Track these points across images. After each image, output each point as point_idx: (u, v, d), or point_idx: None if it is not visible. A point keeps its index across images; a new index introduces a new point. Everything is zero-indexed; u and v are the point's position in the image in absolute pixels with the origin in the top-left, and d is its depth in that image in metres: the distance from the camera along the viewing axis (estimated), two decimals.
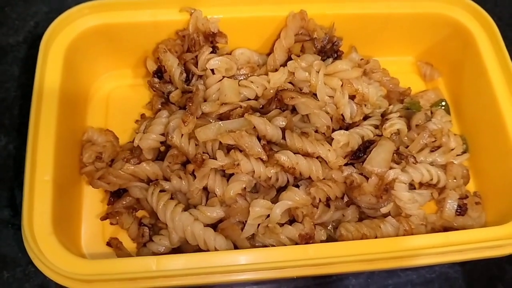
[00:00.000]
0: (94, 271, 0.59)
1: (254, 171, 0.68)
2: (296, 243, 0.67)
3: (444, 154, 0.77)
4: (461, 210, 0.75)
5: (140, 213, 0.74)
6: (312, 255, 0.61)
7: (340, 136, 0.71)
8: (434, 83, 0.90)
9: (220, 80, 0.75)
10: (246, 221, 0.67)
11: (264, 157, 0.68)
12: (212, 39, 0.76)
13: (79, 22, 0.74)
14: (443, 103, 0.85)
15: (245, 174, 0.68)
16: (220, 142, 0.69)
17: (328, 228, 0.72)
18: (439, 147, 0.77)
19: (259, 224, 0.68)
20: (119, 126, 0.79)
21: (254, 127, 0.69)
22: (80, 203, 0.74)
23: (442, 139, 0.77)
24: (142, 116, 0.79)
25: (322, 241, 0.68)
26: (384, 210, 0.71)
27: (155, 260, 0.60)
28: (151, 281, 0.61)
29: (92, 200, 0.75)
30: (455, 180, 0.76)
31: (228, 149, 0.70)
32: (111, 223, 0.72)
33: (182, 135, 0.70)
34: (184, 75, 0.76)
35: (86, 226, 0.73)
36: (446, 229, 0.75)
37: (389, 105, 0.80)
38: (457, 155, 0.79)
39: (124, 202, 0.71)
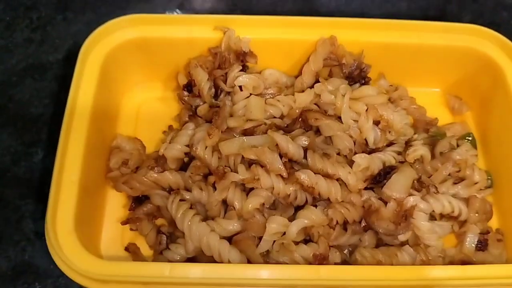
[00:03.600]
0: (109, 272, 0.60)
1: (273, 188, 0.69)
2: (310, 263, 0.67)
3: (467, 187, 0.76)
4: (482, 245, 0.73)
5: (159, 222, 0.75)
6: (324, 276, 0.60)
7: (360, 160, 0.71)
8: (462, 117, 0.89)
9: (247, 97, 0.77)
10: (261, 237, 0.68)
11: (285, 174, 0.69)
12: (242, 58, 0.79)
13: (117, 34, 0.77)
14: (470, 137, 0.83)
15: (264, 189, 0.69)
16: (243, 157, 0.70)
17: (344, 252, 0.71)
18: (462, 179, 0.76)
19: (274, 241, 0.68)
20: (147, 135, 0.82)
21: (277, 144, 0.70)
22: (103, 206, 0.76)
23: (466, 171, 0.76)
24: (170, 127, 0.81)
25: (336, 263, 0.68)
26: (402, 238, 0.70)
27: (169, 267, 0.61)
28: (163, 286, 0.62)
29: (114, 205, 0.77)
30: (477, 215, 0.74)
31: (249, 164, 0.71)
32: (131, 229, 0.73)
33: (206, 147, 0.71)
34: (213, 90, 0.78)
35: (106, 229, 0.75)
36: (465, 264, 0.73)
37: (414, 134, 0.80)
38: (481, 190, 0.77)
39: (145, 209, 0.73)
